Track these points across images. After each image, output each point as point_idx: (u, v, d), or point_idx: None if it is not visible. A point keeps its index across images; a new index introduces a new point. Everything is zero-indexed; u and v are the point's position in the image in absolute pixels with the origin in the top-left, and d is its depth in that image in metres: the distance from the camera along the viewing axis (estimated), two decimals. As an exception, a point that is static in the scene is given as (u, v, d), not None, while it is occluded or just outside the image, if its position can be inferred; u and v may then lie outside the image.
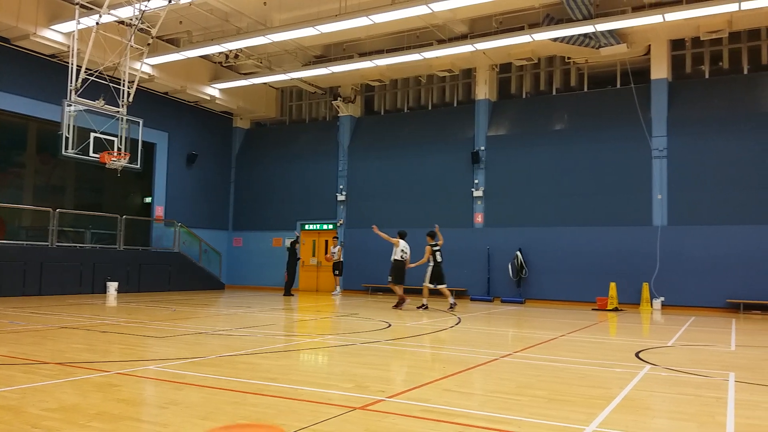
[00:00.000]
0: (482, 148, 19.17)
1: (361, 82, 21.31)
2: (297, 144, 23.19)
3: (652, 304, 15.96)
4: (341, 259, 19.60)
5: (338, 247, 19.50)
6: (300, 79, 20.82)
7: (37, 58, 17.04)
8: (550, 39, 16.43)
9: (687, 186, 16.35)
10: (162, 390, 5.17)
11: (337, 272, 19.51)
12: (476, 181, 19.09)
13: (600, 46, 16.62)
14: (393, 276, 14.71)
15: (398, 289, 14.54)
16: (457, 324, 11.09)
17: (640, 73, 17.56)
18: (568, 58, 18.40)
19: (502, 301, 17.73)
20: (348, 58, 19.37)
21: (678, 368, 6.54)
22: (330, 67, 18.82)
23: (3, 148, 18.57)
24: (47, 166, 19.57)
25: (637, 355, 7.49)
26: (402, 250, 14.85)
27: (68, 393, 4.78)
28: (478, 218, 19.02)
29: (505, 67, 19.66)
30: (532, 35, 15.79)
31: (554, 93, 19.00)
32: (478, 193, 18.97)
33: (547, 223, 17.92)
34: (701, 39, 16.35)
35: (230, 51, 18.50)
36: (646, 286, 16.10)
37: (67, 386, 5.04)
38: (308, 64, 20.14)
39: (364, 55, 19.13)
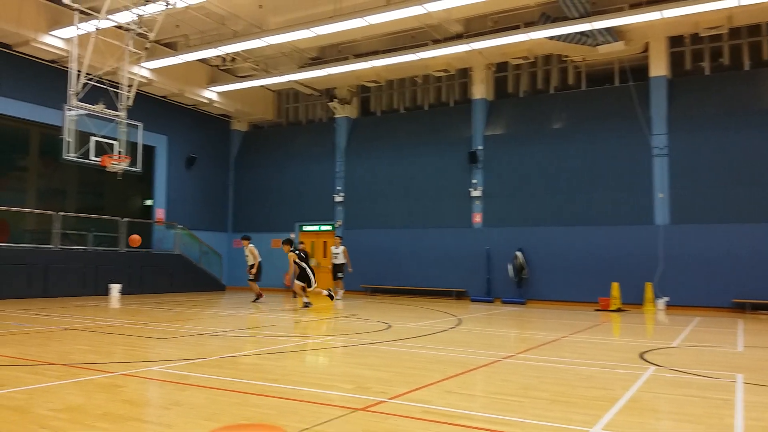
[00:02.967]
0: (480, 147, 19.23)
1: (357, 83, 21.37)
2: (294, 146, 23.25)
3: (655, 305, 15.82)
4: (343, 261, 18.21)
5: (342, 247, 18.25)
6: (296, 81, 20.88)
7: (38, 63, 17.11)
8: (546, 37, 16.47)
9: (689, 184, 16.28)
10: (166, 391, 5.24)
11: (340, 274, 18.15)
12: (474, 181, 19.14)
13: (597, 44, 16.67)
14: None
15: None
16: (457, 325, 11.15)
17: (638, 70, 17.56)
18: (565, 56, 18.45)
19: (503, 302, 17.71)
20: (344, 59, 19.43)
21: (684, 369, 6.48)
22: (326, 69, 18.88)
23: (6, 152, 18.64)
24: (49, 169, 19.62)
25: (641, 356, 7.45)
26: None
27: (74, 394, 4.85)
28: (477, 218, 19.07)
29: (502, 66, 19.71)
30: (528, 34, 15.84)
31: (552, 92, 19.04)
32: (476, 193, 19.02)
33: (547, 223, 17.95)
34: (701, 35, 16.38)
35: (227, 54, 18.58)
36: (649, 286, 16.01)
37: (73, 387, 5.11)
38: (304, 66, 20.20)
39: (359, 56, 19.20)
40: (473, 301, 18.17)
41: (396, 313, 13.42)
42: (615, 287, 15.74)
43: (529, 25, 16.57)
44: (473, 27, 17.75)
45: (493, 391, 5.33)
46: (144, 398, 5.00)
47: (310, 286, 14.50)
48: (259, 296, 16.48)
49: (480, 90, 19.58)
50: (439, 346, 8.15)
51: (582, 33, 16.16)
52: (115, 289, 17.16)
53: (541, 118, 18.75)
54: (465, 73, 20.29)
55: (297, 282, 14.55)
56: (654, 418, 4.55)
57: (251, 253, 16.40)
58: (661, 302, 15.83)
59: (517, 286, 17.91)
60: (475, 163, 19.07)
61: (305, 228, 22.37)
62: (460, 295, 18.84)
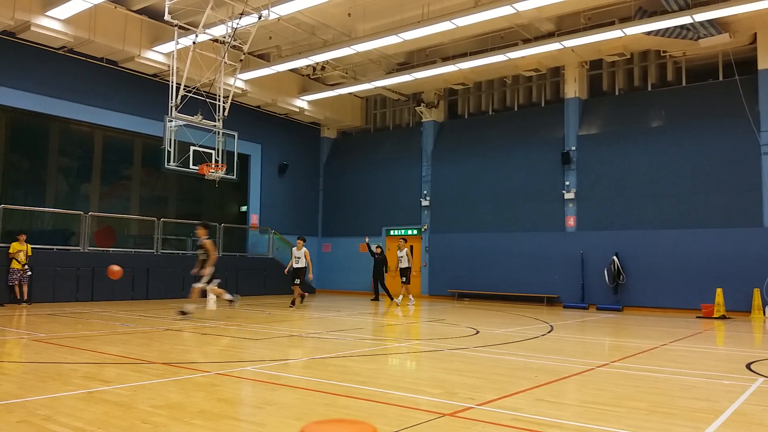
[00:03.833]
0: (573, 148, 18.58)
1: (444, 86, 21.27)
2: (381, 151, 23.47)
3: (765, 312, 14.75)
4: (409, 265, 17.41)
5: (405, 250, 17.49)
6: (384, 87, 21.08)
7: (141, 78, 18.30)
8: (643, 33, 15.67)
9: (802, 182, 15.04)
10: (258, 390, 5.38)
11: (404, 279, 17.33)
12: (567, 183, 18.51)
13: (699, 38, 15.68)
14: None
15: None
16: (549, 332, 10.79)
17: (745, 63, 16.37)
18: (664, 51, 17.49)
19: (598, 309, 17.03)
20: (431, 63, 19.40)
21: (795, 381, 6.02)
22: (413, 74, 18.92)
23: (112, 162, 20.03)
24: (152, 178, 20.90)
25: (748, 366, 7.00)
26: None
27: (173, 391, 5.08)
28: (570, 221, 18.42)
29: (596, 64, 18.97)
30: (624, 30, 15.15)
31: (649, 89, 18.11)
32: (569, 196, 18.38)
33: (645, 226, 17.06)
34: (815, 23, 15.07)
35: (317, 63, 19.04)
36: (757, 293, 14.89)
37: (172, 385, 5.36)
38: (392, 71, 20.35)
39: (447, 59, 19.08)
40: (566, 307, 17.55)
41: (484, 318, 13.18)
42: (719, 293, 14.73)
43: (625, 20, 15.85)
44: (565, 25, 17.21)
45: (587, 400, 5.11)
46: (238, 397, 5.16)
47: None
48: (299, 298, 15.53)
49: (573, 89, 18.94)
50: (529, 353, 7.90)
51: (682, 26, 15.25)
52: (213, 291, 17.93)
53: (638, 116, 17.87)
54: (557, 72, 19.71)
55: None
56: (765, 434, 4.22)
57: (305, 255, 15.23)
58: (773, 310, 14.70)
59: (613, 292, 17.13)
60: (569, 164, 18.44)
61: (392, 232, 22.49)
62: (551, 302, 18.26)
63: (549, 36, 17.12)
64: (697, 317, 14.63)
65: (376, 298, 18.98)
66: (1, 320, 10.22)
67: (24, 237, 14.20)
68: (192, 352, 7.51)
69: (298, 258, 15.09)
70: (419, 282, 21.54)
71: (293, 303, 15.33)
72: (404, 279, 17.29)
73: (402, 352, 8.21)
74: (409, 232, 22.04)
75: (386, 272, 18.68)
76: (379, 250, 18.72)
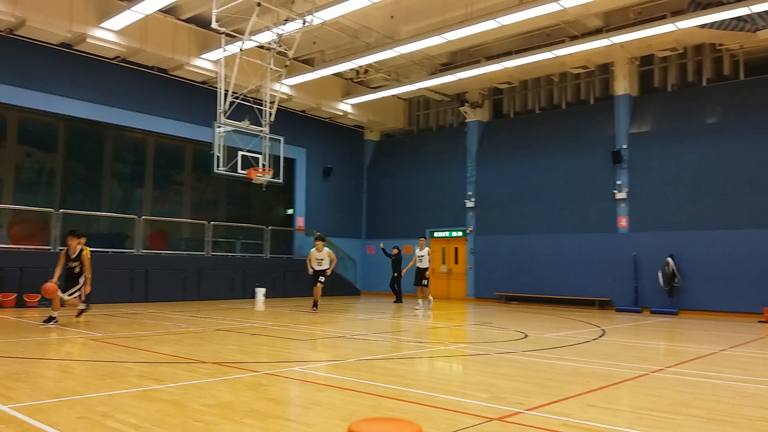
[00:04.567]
0: (624, 146, 18.09)
1: (489, 85, 21.05)
2: (425, 152, 23.39)
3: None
4: (428, 265, 16.27)
5: (426, 249, 16.36)
6: (427, 88, 21.01)
7: (190, 85, 18.77)
8: (697, 26, 15.14)
9: None
10: (305, 390, 5.42)
11: (424, 281, 16.23)
12: (618, 182, 18.03)
13: (758, 29, 15.03)
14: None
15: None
16: (600, 336, 10.52)
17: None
18: (719, 44, 16.85)
19: (652, 312, 16.50)
20: (475, 62, 19.22)
21: None
22: (457, 74, 18.79)
23: (164, 167, 20.64)
24: (202, 183, 21.43)
25: (815, 372, 6.65)
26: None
27: (223, 390, 5.15)
28: (622, 222, 17.93)
29: (647, 60, 18.43)
30: (676, 23, 14.66)
31: (704, 84, 17.48)
32: (621, 195, 17.91)
33: (702, 226, 16.45)
34: None
35: (360, 66, 19.14)
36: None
37: (222, 384, 5.44)
38: (435, 72, 20.27)
39: (491, 58, 18.89)
40: (618, 311, 17.08)
41: (533, 322, 12.94)
42: (784, 297, 14.08)
43: (677, 13, 15.36)
44: (614, 20, 16.79)
45: (641, 407, 4.93)
46: (286, 397, 5.20)
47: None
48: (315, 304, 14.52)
49: (623, 85, 18.44)
50: (580, 357, 7.71)
51: (739, 18, 14.66)
52: (260, 292, 18.26)
53: (692, 112, 17.27)
54: (606, 69, 19.24)
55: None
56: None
57: (329, 255, 14.43)
58: None
59: (668, 295, 16.57)
60: (620, 163, 17.97)
61: (436, 234, 22.38)
62: (603, 305, 17.81)
63: (597, 32, 16.73)
64: (760, 321, 14.02)
65: (399, 300, 18.84)
66: (62, 320, 10.62)
67: (83, 240, 14.70)
68: (241, 352, 7.63)
69: (321, 260, 14.18)
70: (464, 284, 21.36)
71: (315, 305, 14.25)
72: (425, 282, 16.15)
73: (448, 355, 8.13)
74: (454, 234, 21.88)
75: (402, 273, 18.50)
76: (396, 251, 18.77)
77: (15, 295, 13.69)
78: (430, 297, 16.56)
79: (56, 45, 15.87)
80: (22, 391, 4.91)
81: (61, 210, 15.66)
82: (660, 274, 16.66)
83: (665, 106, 18.06)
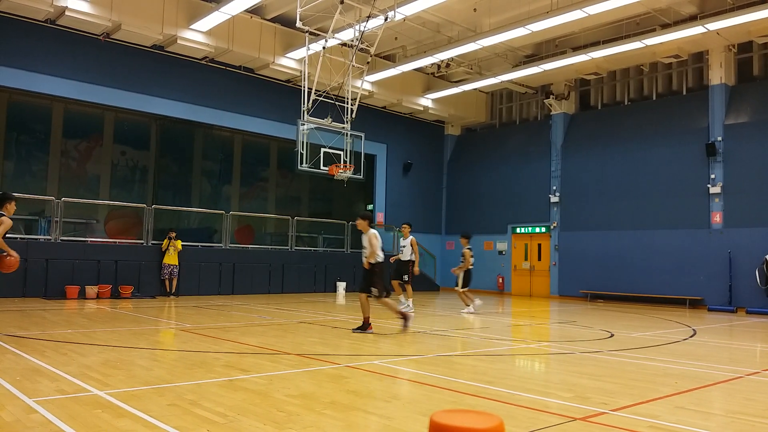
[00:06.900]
0: (719, 138, 17.06)
1: (575, 77, 20.40)
2: (507, 146, 22.99)
3: None
4: (411, 258, 13.05)
5: (410, 238, 13.16)
6: (510, 81, 20.63)
7: (275, 84, 19.35)
8: (804, 8, 14.05)
9: None
10: (385, 384, 5.50)
11: (405, 277, 13.18)
12: (713, 177, 17.04)
13: None
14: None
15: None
16: (691, 336, 10.01)
17: None
18: (830, 27, 15.55)
19: (748, 312, 15.55)
20: (561, 53, 18.68)
21: None
22: (542, 66, 18.34)
23: (252, 165, 21.44)
24: (286, 179, 22.10)
25: None
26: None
27: (306, 381, 5.33)
28: (716, 218, 16.94)
29: (745, 47, 17.28)
30: (781, 6, 13.67)
31: (812, 69, 16.21)
32: (715, 190, 16.91)
33: (806, 223, 15.29)
34: None
35: (442, 61, 19.04)
36: None
37: (305, 375, 5.62)
38: (518, 64, 19.87)
39: (577, 48, 18.29)
40: (711, 310, 16.18)
41: (619, 321, 12.48)
42: None
43: (781, -6, 14.29)
44: (709, 6, 15.84)
45: (734, 410, 4.69)
46: (366, 390, 5.30)
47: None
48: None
49: (718, 75, 17.38)
50: (669, 358, 7.38)
51: None
52: (341, 286, 18.61)
53: (798, 101, 16.04)
54: (700, 57, 18.21)
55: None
56: None
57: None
58: None
59: (765, 295, 15.54)
60: (714, 156, 16.97)
61: (518, 230, 21.96)
62: (694, 304, 16.91)
63: (691, 19, 15.84)
64: None
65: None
66: (154, 311, 11.28)
67: (174, 234, 15.54)
68: (323, 344, 7.83)
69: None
70: (548, 282, 20.86)
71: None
72: (405, 278, 13.03)
73: (531, 353, 8.00)
74: (537, 229, 21.41)
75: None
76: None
77: (110, 286, 14.54)
78: (410, 301, 13.03)
79: (149, 47, 16.77)
80: (117, 378, 5.24)
81: (154, 206, 16.59)
82: (757, 273, 15.66)
83: (766, 95, 16.86)
